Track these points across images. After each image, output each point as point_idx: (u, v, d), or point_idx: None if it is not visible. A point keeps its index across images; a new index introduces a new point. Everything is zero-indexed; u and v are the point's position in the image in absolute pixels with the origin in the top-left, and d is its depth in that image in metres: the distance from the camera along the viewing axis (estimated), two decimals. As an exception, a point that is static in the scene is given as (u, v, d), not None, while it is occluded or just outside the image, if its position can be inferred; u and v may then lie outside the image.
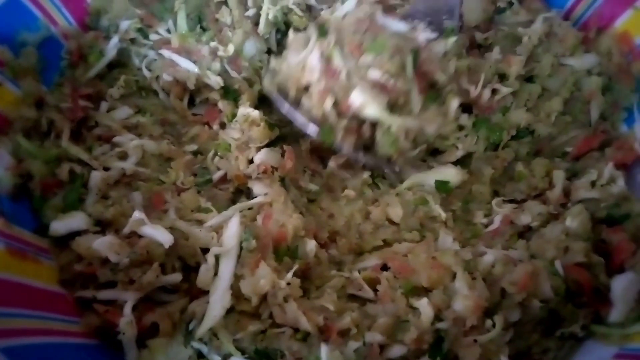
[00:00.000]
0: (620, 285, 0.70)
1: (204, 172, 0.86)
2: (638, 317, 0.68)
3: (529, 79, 0.92)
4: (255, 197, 0.80)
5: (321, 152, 0.91)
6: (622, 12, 0.91)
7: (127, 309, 0.61)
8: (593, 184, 0.81)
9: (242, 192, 0.85)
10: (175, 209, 0.76)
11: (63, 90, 0.85)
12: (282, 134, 0.91)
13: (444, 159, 0.91)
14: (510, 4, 1.01)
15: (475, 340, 0.64)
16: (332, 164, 0.89)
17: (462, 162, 0.90)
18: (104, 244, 0.63)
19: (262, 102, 0.96)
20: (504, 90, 0.88)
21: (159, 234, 0.66)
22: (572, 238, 0.74)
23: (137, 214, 0.67)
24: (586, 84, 0.90)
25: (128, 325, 0.61)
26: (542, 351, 0.69)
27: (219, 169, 0.86)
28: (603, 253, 0.74)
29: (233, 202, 0.84)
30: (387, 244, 0.82)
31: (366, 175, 0.89)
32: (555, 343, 0.70)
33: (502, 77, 0.91)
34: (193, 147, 0.89)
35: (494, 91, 0.89)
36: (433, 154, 0.92)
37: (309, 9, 1.04)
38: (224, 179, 0.85)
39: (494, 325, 0.65)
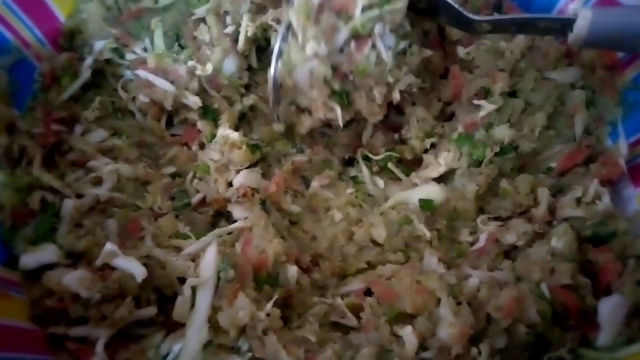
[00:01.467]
0: (607, 309, 0.69)
1: (182, 195, 0.84)
2: (626, 340, 0.67)
3: (511, 93, 0.91)
4: (235, 221, 0.78)
5: (303, 172, 0.89)
6: (604, 25, 0.90)
7: (99, 347, 0.59)
8: (578, 201, 0.80)
9: (222, 215, 0.83)
10: (152, 235, 0.75)
11: (35, 114, 0.83)
12: (263, 154, 0.89)
13: (427, 174, 0.89)
14: (492, 17, 0.99)
15: (460, 370, 0.63)
16: (315, 184, 0.88)
17: (445, 179, 0.89)
18: (74, 279, 0.61)
19: (242, 119, 0.95)
20: (489, 107, 0.87)
21: (133, 266, 0.64)
22: (558, 259, 0.73)
23: (109, 246, 0.65)
24: (570, 97, 0.89)
25: (100, 365, 0.58)
26: (529, 376, 0.68)
27: (198, 191, 0.84)
28: (589, 274, 0.73)
29: (213, 225, 0.82)
30: (371, 266, 0.81)
31: (350, 192, 0.88)
32: (543, 368, 0.69)
33: (486, 93, 0.90)
34: (171, 169, 0.87)
35: (477, 107, 0.87)
36: (416, 165, 0.91)
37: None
38: (203, 202, 0.84)
39: (480, 353, 0.64)
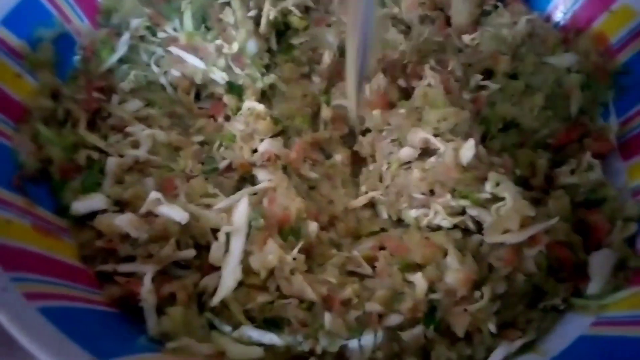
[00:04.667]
0: (597, 261, 0.76)
1: (210, 161, 0.90)
2: (613, 289, 0.74)
3: (513, 76, 0.99)
4: (260, 183, 0.86)
5: (322, 144, 0.96)
6: (598, 15, 0.99)
7: (148, 279, 0.66)
8: (573, 171, 0.87)
9: (247, 180, 0.90)
10: (185, 193, 0.81)
11: (78, 82, 0.90)
12: (284, 127, 0.97)
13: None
14: (495, 7, 1.08)
15: (465, 310, 0.70)
16: (338, 157, 0.94)
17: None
18: (124, 221, 0.68)
19: (262, 97, 1.02)
20: (493, 86, 0.95)
21: (175, 213, 0.71)
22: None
23: (154, 194, 0.72)
24: (566, 81, 0.96)
25: (149, 294, 0.65)
26: (526, 321, 0.75)
27: (224, 158, 0.91)
28: (582, 232, 0.80)
29: (238, 189, 0.88)
30: (383, 230, 0.87)
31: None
32: (538, 314, 0.75)
33: (490, 75, 0.98)
34: (199, 138, 0.93)
35: (483, 87, 0.95)
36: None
37: (306, 10, 1.10)
38: (229, 168, 0.90)
39: (482, 297, 0.71)
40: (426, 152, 0.83)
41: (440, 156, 0.79)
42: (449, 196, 0.77)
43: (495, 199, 0.76)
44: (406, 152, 0.83)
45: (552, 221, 0.73)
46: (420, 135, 0.81)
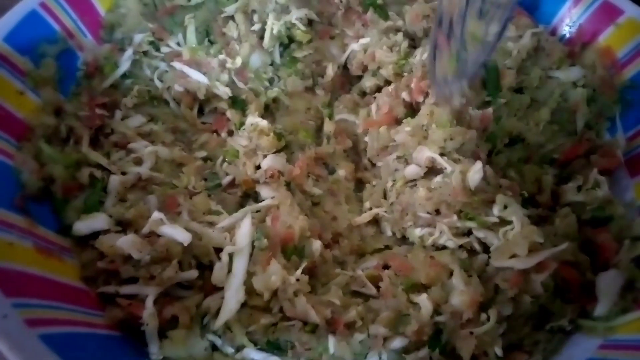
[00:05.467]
0: (604, 282, 0.75)
1: (213, 177, 0.90)
2: (621, 310, 0.73)
3: (518, 90, 0.98)
4: (263, 200, 0.85)
5: (325, 159, 0.96)
6: (604, 28, 0.98)
7: (149, 302, 0.65)
8: (579, 188, 0.87)
9: (250, 196, 0.89)
10: (188, 211, 0.80)
11: (80, 99, 0.90)
12: (287, 142, 0.96)
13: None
14: (501, 20, 1.07)
15: (471, 332, 0.69)
16: (341, 172, 0.94)
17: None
18: (127, 242, 0.68)
19: (266, 110, 1.02)
20: (499, 100, 0.94)
21: (178, 233, 0.70)
22: (561, 239, 0.79)
23: (157, 214, 0.71)
24: (572, 95, 0.96)
25: (151, 317, 0.65)
26: (532, 343, 0.74)
27: (227, 174, 0.90)
28: (589, 252, 0.79)
29: (241, 205, 0.88)
30: (387, 247, 0.86)
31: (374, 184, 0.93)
32: (545, 336, 0.75)
33: (495, 89, 0.97)
34: (203, 153, 0.93)
35: (489, 102, 0.94)
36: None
37: (310, 23, 1.10)
38: (232, 184, 0.90)
39: (488, 319, 0.70)
40: (432, 170, 0.82)
41: (447, 176, 0.78)
42: (455, 217, 0.76)
43: (503, 222, 0.75)
44: (412, 170, 0.82)
45: (561, 247, 0.72)
46: (426, 154, 0.80)
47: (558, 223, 0.80)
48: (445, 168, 0.79)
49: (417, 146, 0.82)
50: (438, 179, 0.79)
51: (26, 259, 0.65)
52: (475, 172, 0.76)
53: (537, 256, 0.70)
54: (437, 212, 0.78)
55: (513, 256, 0.72)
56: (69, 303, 0.65)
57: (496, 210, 0.75)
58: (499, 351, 0.70)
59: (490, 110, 0.88)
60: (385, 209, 0.86)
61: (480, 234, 0.76)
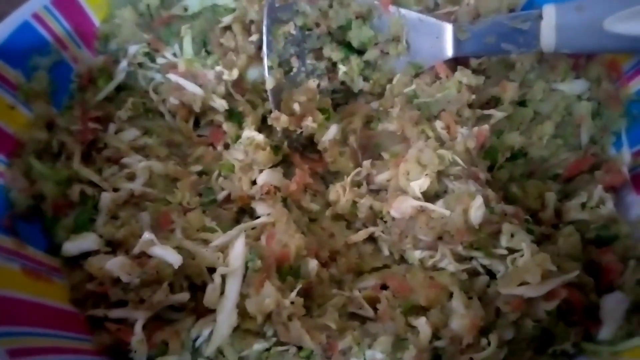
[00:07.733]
0: (609, 305, 0.73)
1: (208, 192, 0.88)
2: (626, 334, 0.71)
3: (521, 103, 0.96)
4: (259, 217, 0.83)
5: (323, 174, 0.94)
6: (610, 41, 0.95)
7: (138, 328, 0.64)
8: (583, 205, 0.84)
9: (246, 211, 0.88)
10: (181, 228, 0.79)
11: (73, 112, 0.88)
12: (284, 156, 0.94)
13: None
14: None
15: (471, 358, 0.67)
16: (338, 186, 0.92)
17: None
18: (116, 265, 0.66)
19: (263, 122, 1.00)
20: (498, 114, 0.92)
21: (169, 255, 0.69)
22: (564, 259, 0.77)
23: (147, 235, 0.69)
24: (576, 108, 0.94)
25: (140, 344, 0.63)
26: (534, 368, 0.72)
27: (223, 189, 0.88)
28: (593, 273, 0.77)
29: (237, 221, 0.86)
30: (386, 266, 0.84)
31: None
32: (548, 360, 0.73)
33: (497, 102, 0.95)
34: (198, 167, 0.92)
35: (488, 116, 0.92)
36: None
37: (308, 33, 1.08)
38: (228, 199, 0.88)
39: (489, 344, 0.68)
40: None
41: (447, 204, 0.75)
42: (460, 247, 0.74)
43: (511, 251, 0.73)
44: (400, 213, 0.79)
45: (572, 275, 0.70)
46: (410, 204, 0.77)
47: (561, 243, 0.78)
48: (446, 188, 0.77)
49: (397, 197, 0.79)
50: (439, 206, 0.76)
51: (13, 283, 0.64)
52: (477, 209, 0.73)
53: (549, 284, 0.68)
54: (439, 237, 0.76)
55: (522, 283, 0.69)
56: (56, 329, 0.63)
57: (504, 241, 0.73)
58: (499, 377, 0.67)
59: (485, 127, 0.86)
60: (382, 229, 0.84)
61: (485, 261, 0.73)
